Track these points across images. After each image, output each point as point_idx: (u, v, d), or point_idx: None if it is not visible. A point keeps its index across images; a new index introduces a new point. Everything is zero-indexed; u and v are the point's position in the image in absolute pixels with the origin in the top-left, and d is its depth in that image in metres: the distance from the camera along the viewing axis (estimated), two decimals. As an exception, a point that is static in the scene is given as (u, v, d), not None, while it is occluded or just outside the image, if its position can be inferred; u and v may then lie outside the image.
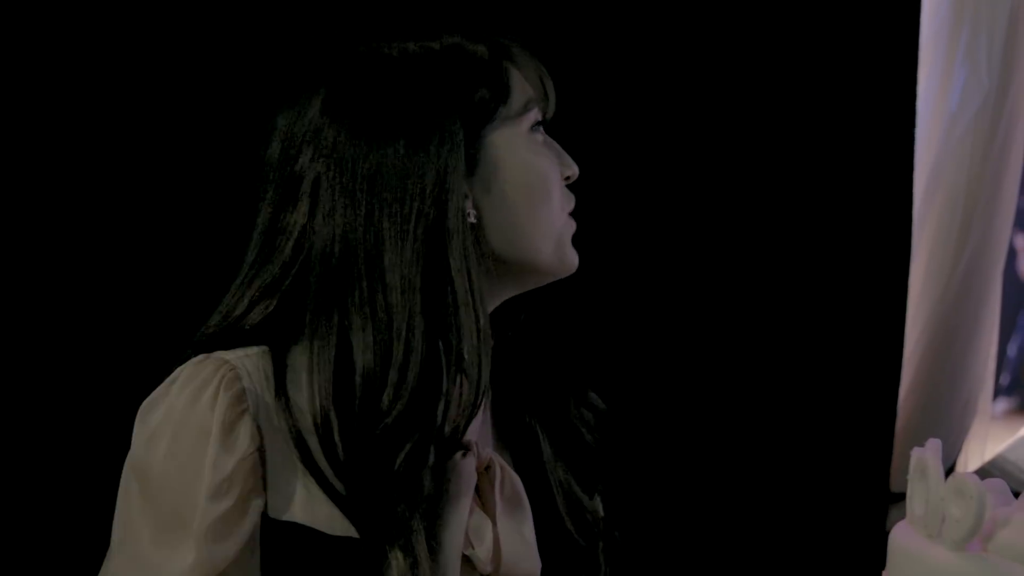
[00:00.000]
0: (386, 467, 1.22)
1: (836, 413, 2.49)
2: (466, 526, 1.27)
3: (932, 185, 2.67)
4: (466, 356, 1.26)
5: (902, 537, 1.08)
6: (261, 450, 1.24)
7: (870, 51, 2.44)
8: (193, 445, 1.22)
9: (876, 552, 1.19)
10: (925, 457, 1.07)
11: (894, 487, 2.57)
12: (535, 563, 1.31)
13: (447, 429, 1.26)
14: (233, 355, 1.26)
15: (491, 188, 1.31)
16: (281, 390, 1.24)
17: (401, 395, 1.23)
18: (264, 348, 1.27)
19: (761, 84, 2.40)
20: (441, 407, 1.25)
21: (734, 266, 2.42)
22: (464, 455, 1.28)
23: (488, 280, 1.31)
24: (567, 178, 1.36)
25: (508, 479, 1.32)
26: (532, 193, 1.32)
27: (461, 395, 1.26)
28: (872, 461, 2.54)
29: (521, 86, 1.33)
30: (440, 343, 1.25)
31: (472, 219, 1.29)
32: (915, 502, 1.08)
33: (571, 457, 1.40)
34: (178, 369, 1.26)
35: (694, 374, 2.42)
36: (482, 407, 1.32)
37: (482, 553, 1.27)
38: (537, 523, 1.33)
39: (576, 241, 1.36)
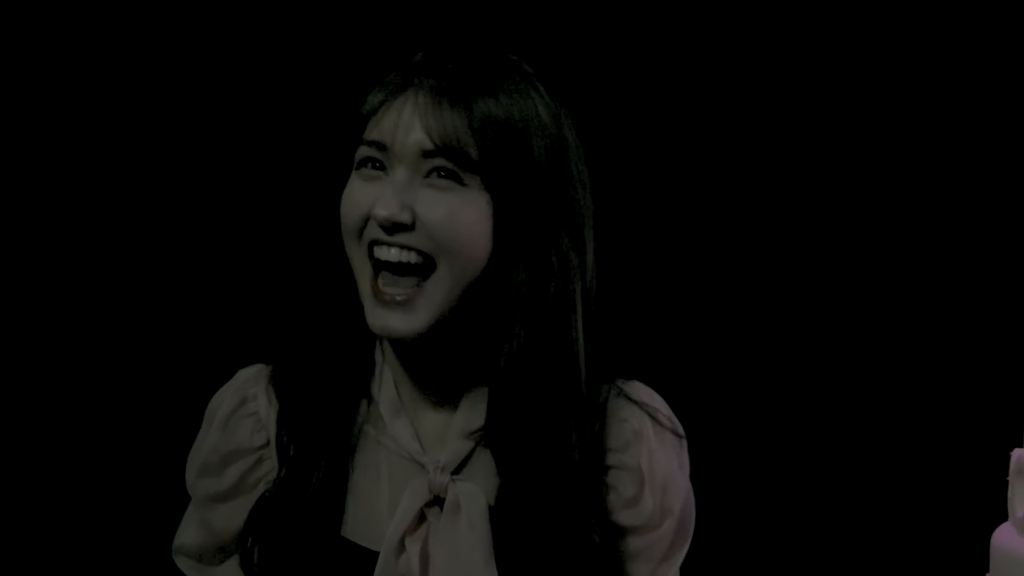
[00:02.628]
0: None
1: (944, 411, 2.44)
2: (398, 541, 1.31)
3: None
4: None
5: (1004, 539, 1.07)
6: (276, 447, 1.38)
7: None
8: (204, 430, 1.41)
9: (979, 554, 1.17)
10: (1026, 457, 1.05)
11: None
12: None
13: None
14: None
15: None
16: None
17: None
18: None
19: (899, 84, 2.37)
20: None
21: (870, 271, 2.39)
22: (420, 479, 1.33)
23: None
24: (382, 226, 1.29)
25: (466, 514, 1.31)
26: (343, 233, 1.34)
27: None
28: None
29: (375, 123, 1.32)
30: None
31: None
32: (1016, 503, 1.06)
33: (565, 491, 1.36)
34: None
35: (832, 374, 2.40)
36: (472, 438, 1.34)
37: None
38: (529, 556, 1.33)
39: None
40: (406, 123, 1.30)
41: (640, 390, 1.41)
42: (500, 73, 1.33)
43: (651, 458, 1.37)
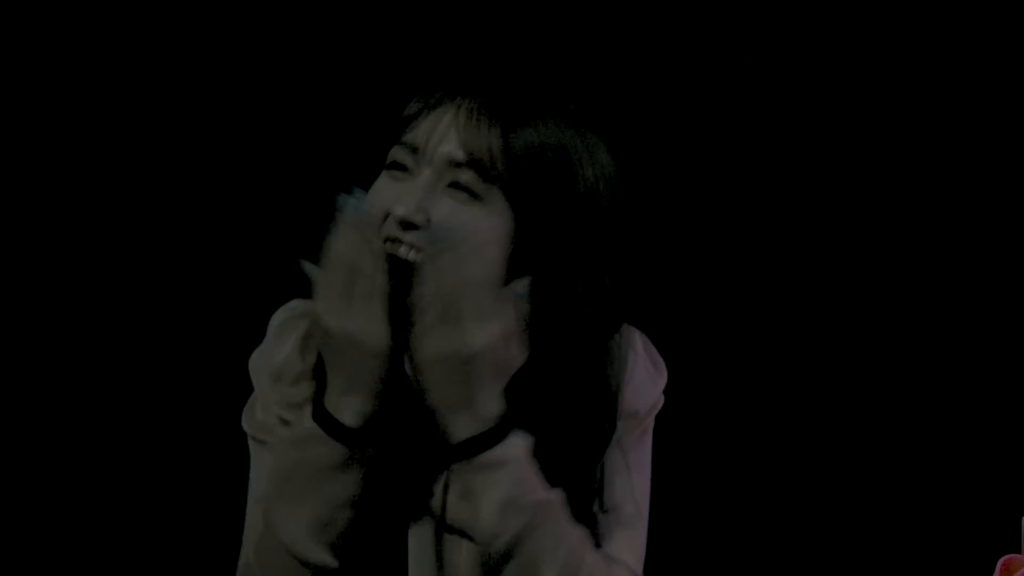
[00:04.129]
0: None
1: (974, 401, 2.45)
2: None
3: None
4: None
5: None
6: None
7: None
8: (273, 348, 1.49)
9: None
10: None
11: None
12: None
13: None
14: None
15: None
16: None
17: None
18: None
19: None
20: None
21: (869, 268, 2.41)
22: None
23: None
24: (399, 223, 1.36)
25: None
26: None
27: None
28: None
29: (413, 127, 1.40)
30: None
31: None
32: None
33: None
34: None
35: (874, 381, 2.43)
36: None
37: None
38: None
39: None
40: (441, 133, 1.38)
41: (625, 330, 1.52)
42: (543, 102, 1.41)
43: (629, 373, 1.50)
